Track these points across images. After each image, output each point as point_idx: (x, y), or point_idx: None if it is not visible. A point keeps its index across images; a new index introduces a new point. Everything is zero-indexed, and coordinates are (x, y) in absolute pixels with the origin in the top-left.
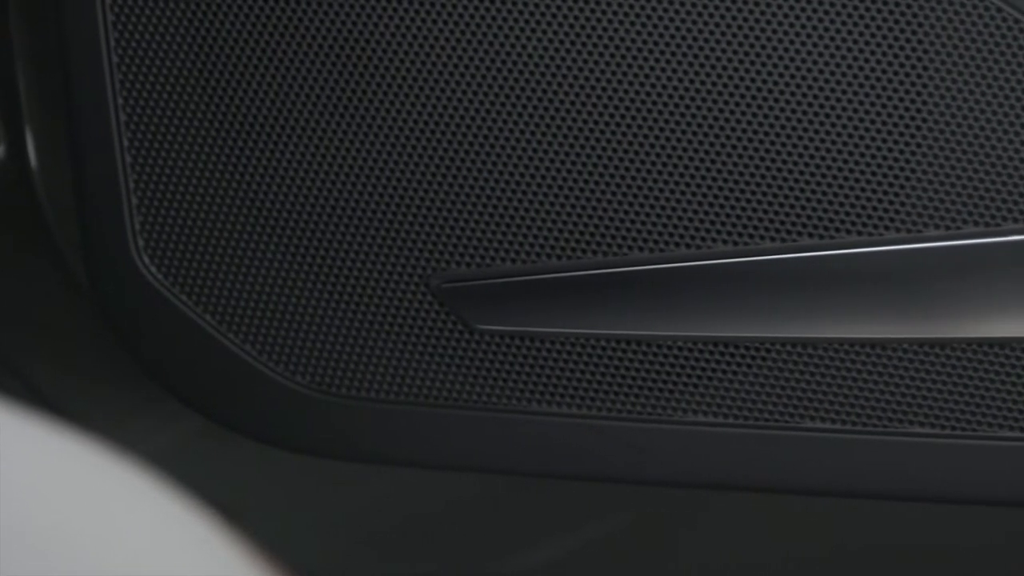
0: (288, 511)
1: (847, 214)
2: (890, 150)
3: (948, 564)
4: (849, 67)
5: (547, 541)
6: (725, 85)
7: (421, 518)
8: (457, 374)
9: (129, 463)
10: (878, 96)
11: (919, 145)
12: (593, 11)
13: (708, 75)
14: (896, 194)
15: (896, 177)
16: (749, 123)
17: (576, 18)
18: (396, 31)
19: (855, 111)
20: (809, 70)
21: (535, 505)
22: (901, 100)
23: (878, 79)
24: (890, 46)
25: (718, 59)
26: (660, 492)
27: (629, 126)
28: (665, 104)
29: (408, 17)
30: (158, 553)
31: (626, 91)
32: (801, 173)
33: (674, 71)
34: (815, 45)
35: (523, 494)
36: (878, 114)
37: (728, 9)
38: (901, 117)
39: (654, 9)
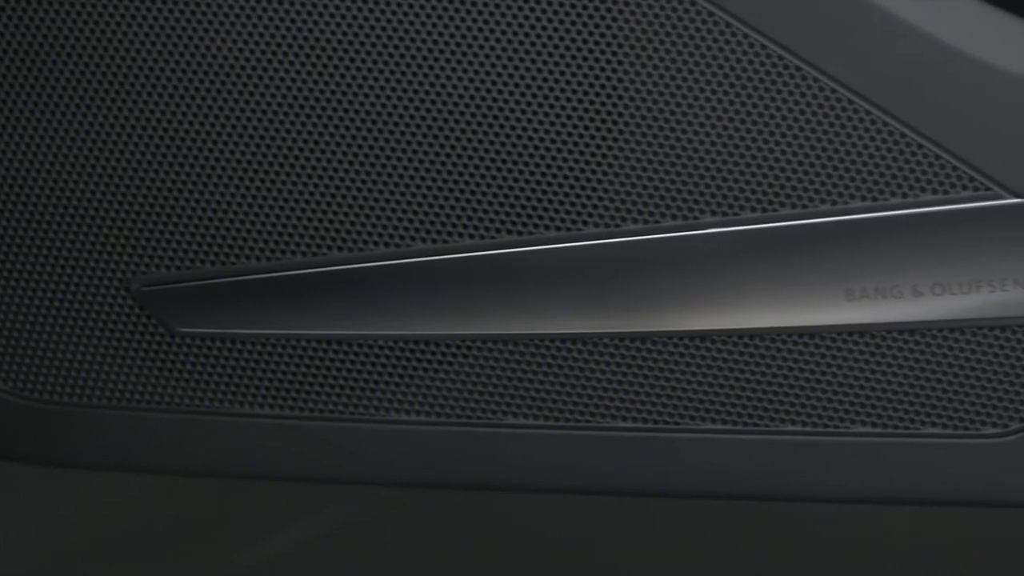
0: (3, 515)
1: (544, 210)
2: (586, 145)
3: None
4: (545, 63)
5: (264, 540)
6: (409, 83)
7: (136, 522)
8: (159, 377)
9: None
10: (573, 92)
11: (615, 140)
12: (272, 21)
13: (392, 74)
14: (593, 189)
15: (593, 172)
16: (440, 120)
17: (258, 27)
18: (100, 25)
19: (549, 106)
20: (502, 68)
21: (249, 505)
22: (597, 95)
23: (572, 75)
24: (585, 41)
25: (401, 58)
26: (370, 491)
27: (316, 124)
28: (351, 103)
29: (107, 17)
30: None
31: (310, 89)
32: (498, 170)
33: (358, 70)
34: (510, 41)
35: (238, 495)
36: (574, 109)
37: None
38: (598, 112)
39: (309, 14)
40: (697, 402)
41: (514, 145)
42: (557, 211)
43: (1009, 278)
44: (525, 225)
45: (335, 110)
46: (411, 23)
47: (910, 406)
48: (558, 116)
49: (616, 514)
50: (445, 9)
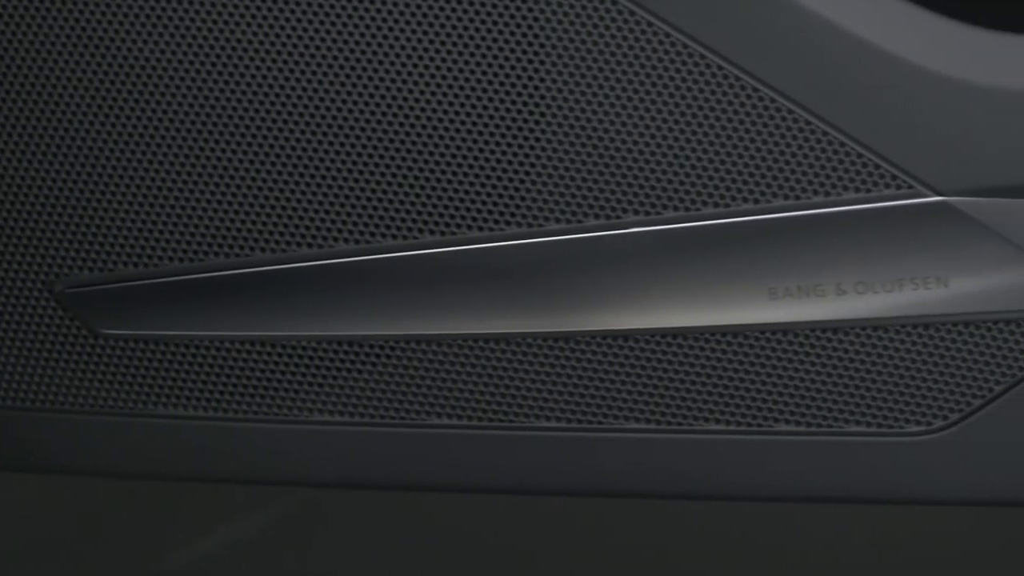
0: None
1: (467, 210)
2: (508, 145)
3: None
4: (467, 64)
5: (191, 541)
6: (330, 85)
7: (60, 524)
8: (83, 379)
9: None
10: (495, 92)
11: (537, 140)
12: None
13: (314, 74)
14: (516, 189)
15: (516, 172)
16: (362, 121)
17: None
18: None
19: (471, 107)
20: (423, 68)
21: (179, 506)
22: (519, 95)
23: (493, 75)
24: (506, 41)
25: (322, 59)
26: (298, 492)
27: (234, 128)
28: (273, 105)
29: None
30: None
31: (231, 91)
32: (420, 171)
33: (280, 72)
34: (431, 42)
35: (165, 496)
36: (495, 109)
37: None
38: (520, 112)
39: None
40: (621, 402)
41: (436, 146)
42: (480, 211)
43: (932, 276)
44: (448, 225)
45: (254, 114)
46: (332, 23)
47: (834, 404)
48: (480, 116)
49: (538, 512)
50: (367, 10)
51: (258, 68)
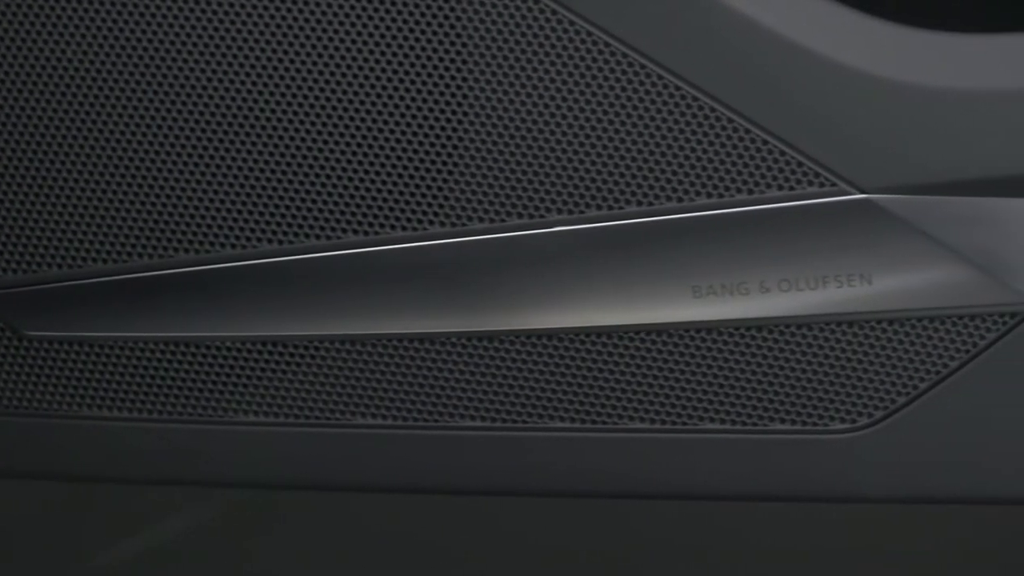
0: None
1: (391, 210)
2: (431, 145)
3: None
4: (389, 63)
5: (118, 542)
6: (252, 83)
7: None
8: (8, 381)
9: None
10: (418, 91)
11: (460, 139)
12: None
13: (227, 72)
14: (439, 188)
15: (439, 172)
16: (284, 120)
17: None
18: None
19: (394, 106)
20: (347, 68)
21: (107, 507)
22: (441, 94)
23: (416, 74)
24: (429, 40)
25: (238, 52)
26: (224, 493)
27: (148, 126)
28: (193, 105)
29: None
30: None
31: (141, 88)
32: (343, 170)
33: (191, 70)
34: (353, 41)
35: (95, 497)
36: (419, 109)
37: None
38: (442, 112)
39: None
40: (545, 401)
41: (359, 145)
42: (403, 211)
43: (855, 273)
44: (371, 225)
45: (167, 111)
46: (248, 17)
47: (759, 402)
48: (403, 115)
49: (463, 510)
50: (289, 8)
51: (181, 68)
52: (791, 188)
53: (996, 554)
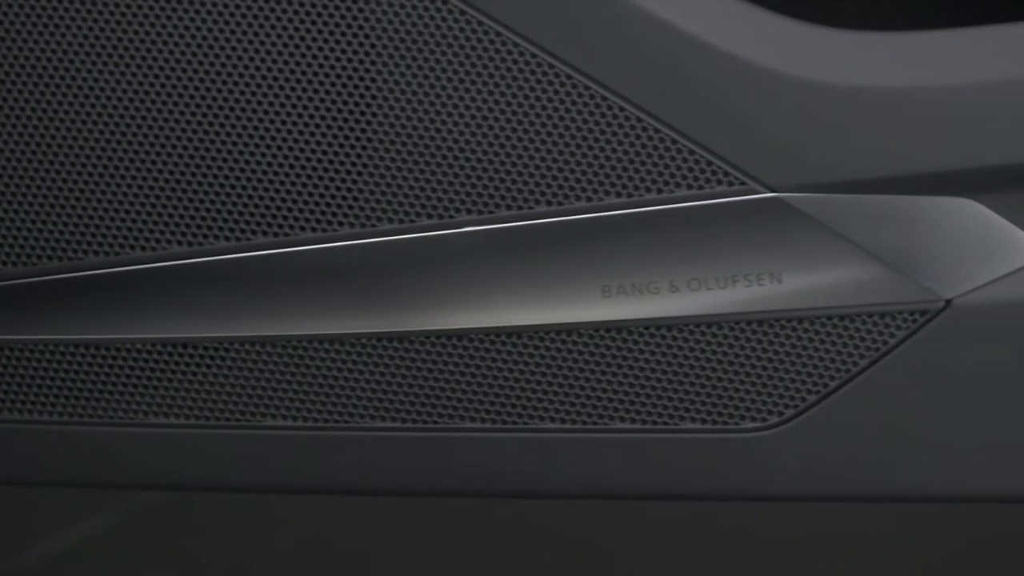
0: None
1: (300, 211)
2: (339, 145)
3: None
4: (296, 63)
5: (35, 543)
6: (158, 82)
7: None
8: None
9: None
10: (326, 92)
11: (369, 140)
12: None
13: (131, 71)
14: (348, 190)
15: (348, 173)
16: (191, 122)
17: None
18: None
19: (303, 107)
20: (254, 69)
21: (24, 508)
22: (349, 95)
23: (323, 75)
24: (337, 41)
25: (146, 52)
26: (135, 495)
27: (56, 129)
28: (93, 105)
29: None
30: None
31: (60, 93)
32: (252, 171)
33: (107, 68)
34: (251, 42)
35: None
36: (327, 109)
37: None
38: (351, 112)
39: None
40: (456, 401)
41: (267, 146)
42: (312, 212)
43: (765, 272)
44: (281, 226)
45: (75, 116)
46: (144, 17)
47: (668, 402)
48: (311, 116)
49: (394, 512)
50: (187, 7)
51: (102, 68)
52: (701, 187)
53: (990, 554)
